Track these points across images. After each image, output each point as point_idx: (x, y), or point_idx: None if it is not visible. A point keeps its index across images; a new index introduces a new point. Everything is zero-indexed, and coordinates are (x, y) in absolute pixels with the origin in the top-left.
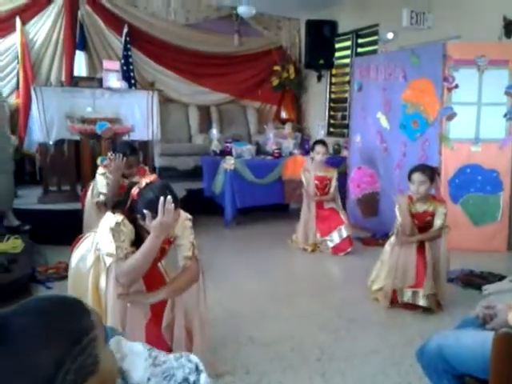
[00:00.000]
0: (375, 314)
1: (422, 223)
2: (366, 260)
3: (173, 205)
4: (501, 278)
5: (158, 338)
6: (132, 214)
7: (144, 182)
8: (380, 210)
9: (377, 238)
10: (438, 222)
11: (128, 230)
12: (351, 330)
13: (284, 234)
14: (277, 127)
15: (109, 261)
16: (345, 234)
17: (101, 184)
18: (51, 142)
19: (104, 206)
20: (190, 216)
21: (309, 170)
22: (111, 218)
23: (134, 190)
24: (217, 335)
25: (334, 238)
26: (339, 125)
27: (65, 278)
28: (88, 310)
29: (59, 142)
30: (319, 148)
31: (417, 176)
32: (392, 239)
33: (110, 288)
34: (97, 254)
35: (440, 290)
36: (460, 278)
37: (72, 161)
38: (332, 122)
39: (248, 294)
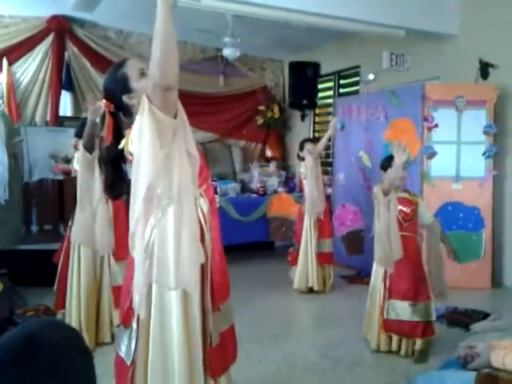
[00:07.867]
0: (361, 355)
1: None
2: (352, 299)
3: None
4: (485, 315)
5: None
6: None
7: None
8: (365, 248)
9: (362, 276)
10: (427, 215)
11: None
12: (337, 371)
13: (269, 273)
14: (261, 165)
15: None
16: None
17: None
18: (34, 181)
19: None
20: None
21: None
22: None
23: None
24: None
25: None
26: (323, 163)
27: None
28: None
29: (42, 182)
30: (309, 146)
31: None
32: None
33: None
34: None
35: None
36: (445, 316)
37: (55, 200)
38: None
39: None
